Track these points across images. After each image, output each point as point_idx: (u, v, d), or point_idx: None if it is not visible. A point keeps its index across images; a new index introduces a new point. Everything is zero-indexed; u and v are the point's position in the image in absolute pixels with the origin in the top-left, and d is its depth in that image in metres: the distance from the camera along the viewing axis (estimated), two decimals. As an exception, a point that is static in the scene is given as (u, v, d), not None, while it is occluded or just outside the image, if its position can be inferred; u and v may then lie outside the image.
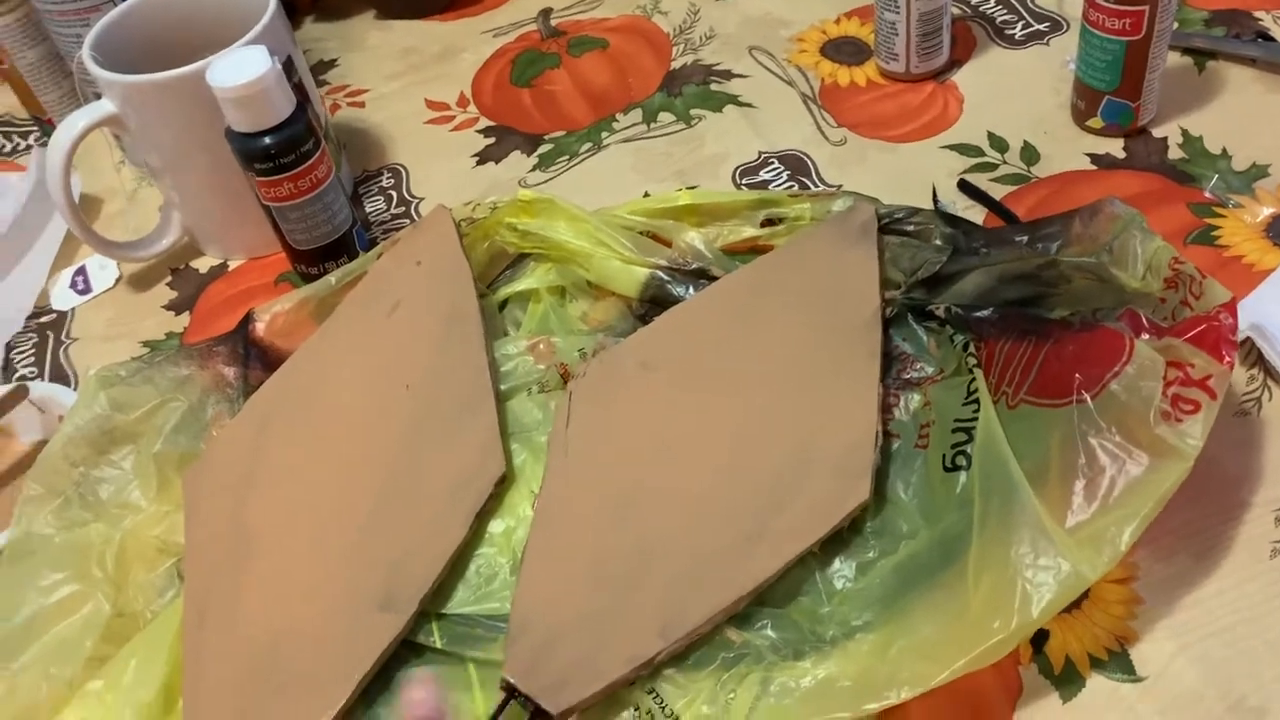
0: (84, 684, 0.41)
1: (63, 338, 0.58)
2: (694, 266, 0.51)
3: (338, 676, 0.39)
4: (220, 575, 0.43)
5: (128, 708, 0.39)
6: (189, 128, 0.54)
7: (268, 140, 0.51)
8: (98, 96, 0.55)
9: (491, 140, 0.65)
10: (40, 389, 0.52)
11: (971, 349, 0.44)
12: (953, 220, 0.50)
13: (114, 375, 0.48)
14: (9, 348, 0.58)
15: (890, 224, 0.51)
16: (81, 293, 0.60)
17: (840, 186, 0.57)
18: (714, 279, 0.51)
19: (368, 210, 0.62)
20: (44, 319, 0.59)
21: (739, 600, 0.40)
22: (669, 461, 0.43)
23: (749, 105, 0.63)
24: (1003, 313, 0.45)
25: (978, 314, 0.45)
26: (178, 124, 0.54)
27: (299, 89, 0.56)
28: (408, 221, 0.60)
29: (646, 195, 0.58)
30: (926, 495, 0.42)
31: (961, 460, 0.41)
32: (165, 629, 0.42)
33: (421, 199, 0.62)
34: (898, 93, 0.62)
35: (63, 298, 0.60)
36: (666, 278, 0.51)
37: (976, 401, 0.42)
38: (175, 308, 0.59)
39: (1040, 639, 0.39)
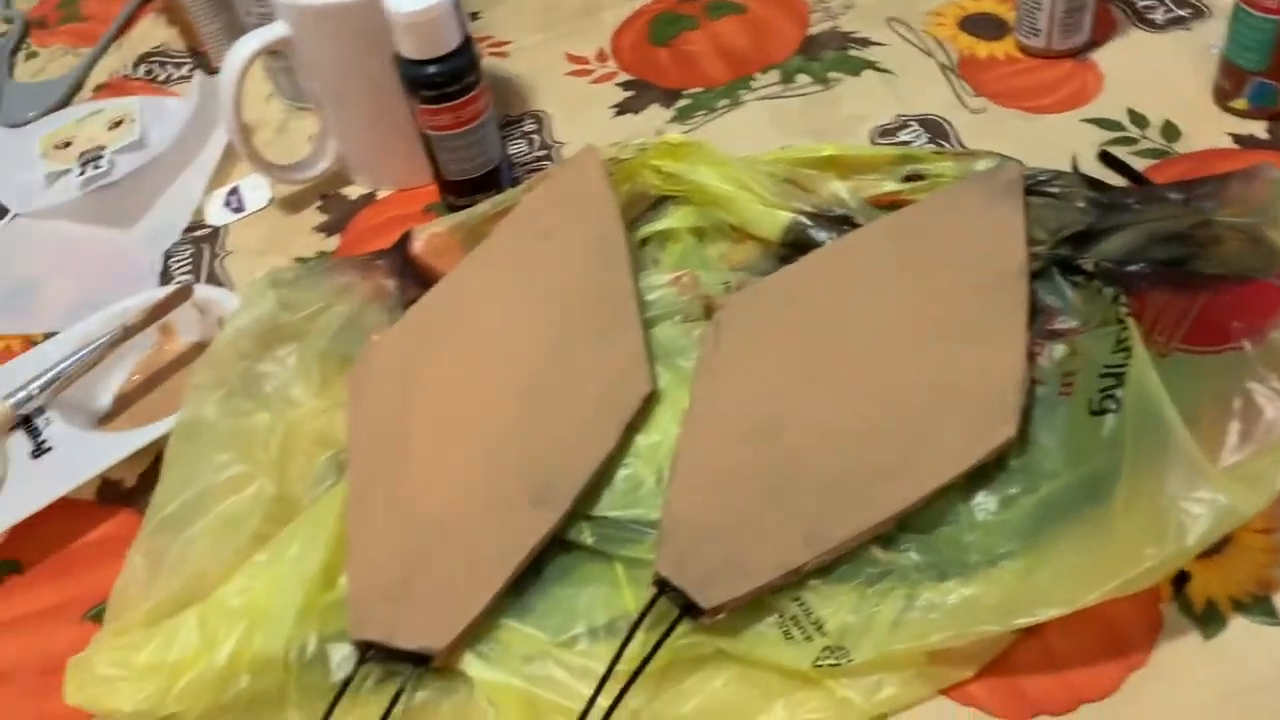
0: (249, 556, 0.43)
1: (217, 250, 0.61)
2: (837, 213, 0.52)
3: (494, 563, 0.41)
4: (381, 465, 0.45)
5: (293, 578, 0.42)
6: (357, 54, 0.56)
7: (435, 69, 0.54)
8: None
9: (630, 93, 0.66)
10: (203, 291, 0.55)
11: (1123, 300, 0.45)
12: (1097, 184, 0.51)
13: (283, 277, 0.51)
14: (167, 256, 0.61)
15: (1034, 185, 0.51)
16: (235, 211, 0.63)
17: (980, 151, 0.58)
18: (856, 227, 0.52)
19: (510, 152, 0.64)
20: (199, 233, 0.62)
21: (884, 522, 0.41)
22: (816, 389, 0.45)
23: (887, 71, 0.64)
24: (1154, 267, 0.45)
25: (1128, 268, 0.46)
26: (347, 50, 0.57)
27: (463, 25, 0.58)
28: (549, 163, 0.62)
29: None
30: (1070, 439, 0.43)
31: (1110, 404, 0.42)
32: (327, 513, 0.44)
33: (563, 144, 0.64)
34: (1036, 68, 0.63)
35: (218, 214, 0.63)
36: (809, 223, 0.52)
37: (1127, 349, 0.43)
38: (326, 230, 0.61)
39: (1180, 582, 0.40)
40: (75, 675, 0.40)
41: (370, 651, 0.39)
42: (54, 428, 0.50)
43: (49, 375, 0.51)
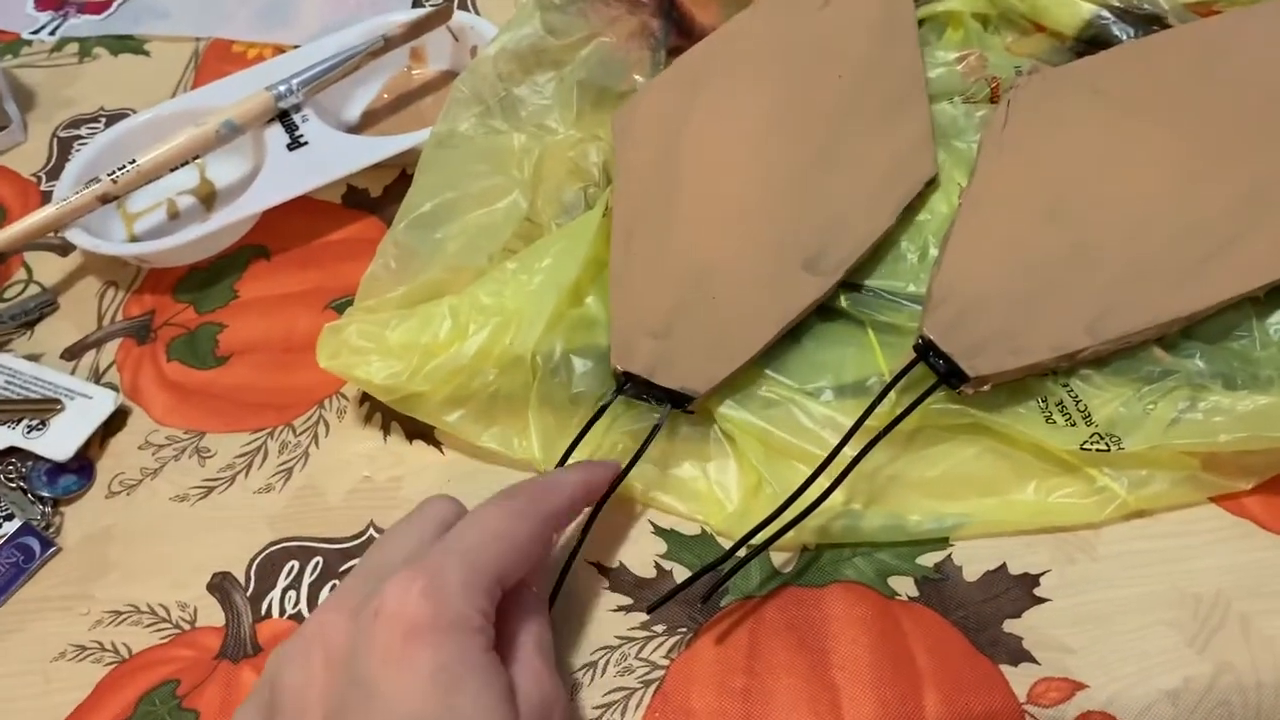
0: (500, 263, 0.43)
1: (472, -15, 0.60)
2: (1146, 10, 0.48)
3: (762, 319, 0.40)
4: (650, 208, 0.44)
5: (545, 287, 0.41)
6: None
7: None
8: None
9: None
10: (461, 17, 0.54)
11: None
12: None
13: (551, 1, 0.49)
14: (420, -13, 0.60)
15: (1376, 7, 0.46)
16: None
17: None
18: (1166, 28, 0.47)
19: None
20: (454, -33, 0.61)
21: (1174, 321, 0.38)
22: (1115, 179, 0.41)
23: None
24: None
25: None
26: None
27: None
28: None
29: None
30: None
31: None
32: (580, 233, 0.43)
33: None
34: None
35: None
36: (1112, 18, 0.48)
37: None
38: (580, -23, 0.59)
39: None
40: (328, 342, 0.41)
41: (628, 384, 0.39)
42: (310, 124, 0.50)
43: (311, 73, 0.51)
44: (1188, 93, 0.44)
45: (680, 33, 0.51)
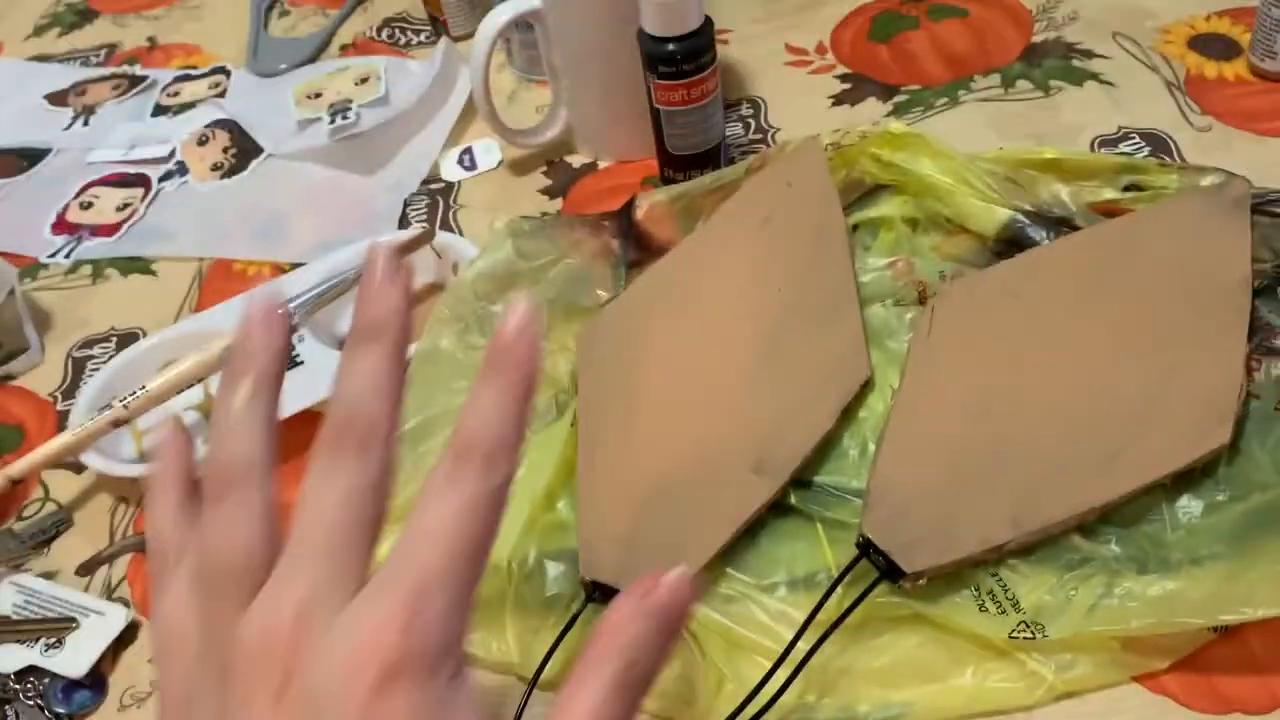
0: (479, 475, 0.47)
1: (451, 203, 0.66)
2: (1056, 214, 0.53)
3: (717, 522, 0.44)
4: (611, 419, 0.48)
5: (520, 495, 0.45)
6: (602, 28, 0.60)
7: (675, 46, 0.57)
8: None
9: (848, 85, 0.68)
10: (443, 237, 0.60)
11: (1354, 321, 0.45)
12: (1331, 209, 0.50)
13: (520, 227, 0.55)
14: (405, 205, 0.66)
15: (1261, 204, 0.51)
16: (468, 169, 0.68)
17: (1203, 168, 0.58)
18: (1074, 229, 0.53)
19: (727, 134, 0.66)
20: (435, 186, 0.67)
21: (1089, 511, 0.42)
22: (1030, 378, 0.46)
23: (1110, 84, 0.65)
24: (1391, 293, 0.45)
25: (1361, 291, 0.46)
26: (594, 24, 0.60)
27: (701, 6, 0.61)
28: (764, 147, 0.65)
29: (1003, 151, 0.60)
30: (1285, 455, 0.43)
31: (1332, 423, 0.42)
32: (552, 442, 0.47)
33: (778, 129, 0.66)
34: (1270, 90, 0.62)
35: (452, 171, 0.68)
36: (1027, 221, 0.53)
37: (1355, 370, 0.43)
38: (549, 193, 0.65)
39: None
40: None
41: (597, 591, 0.42)
42: (306, 344, 0.55)
43: (306, 296, 0.56)
44: (1095, 292, 0.49)
45: (641, 248, 0.56)
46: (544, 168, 0.67)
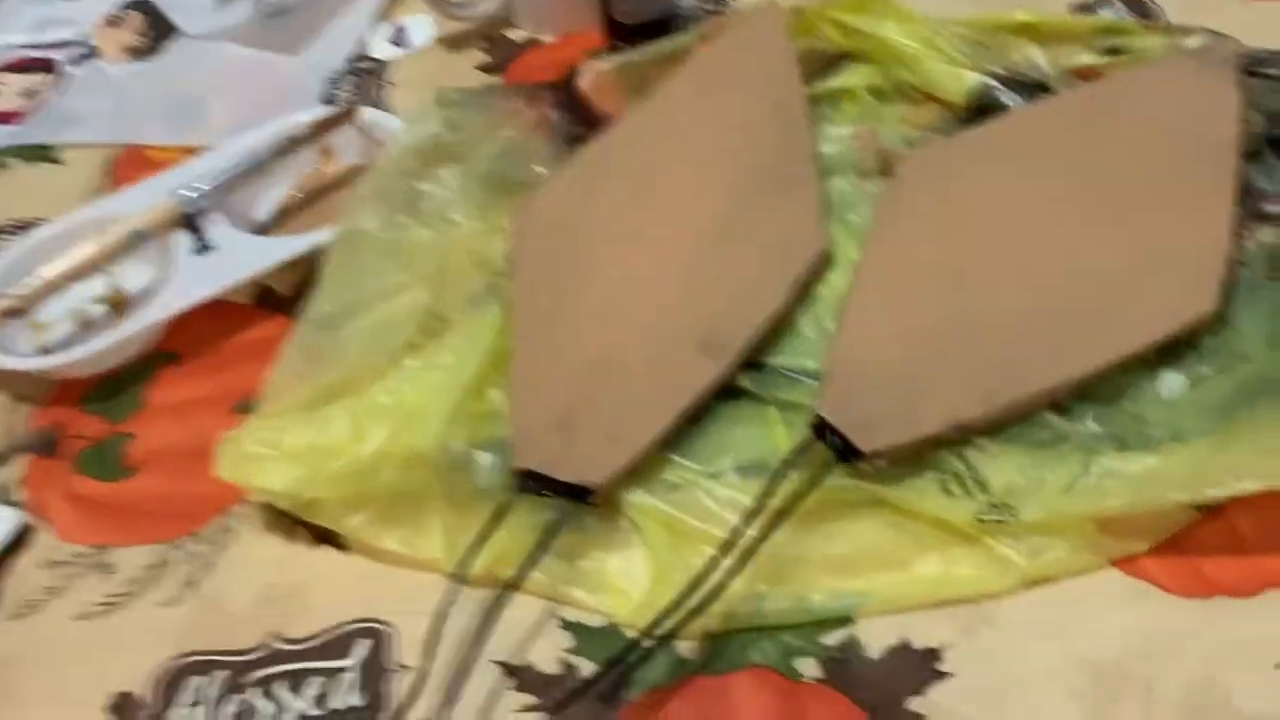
0: (402, 361, 0.43)
1: (381, 81, 0.61)
2: (1031, 79, 0.49)
3: (659, 406, 0.40)
4: (549, 300, 0.44)
5: (446, 383, 0.41)
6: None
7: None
8: None
9: (811, -46, 0.64)
10: (368, 114, 0.55)
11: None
12: (1326, 68, 0.47)
13: (449, 97, 0.50)
14: (331, 84, 0.61)
15: (1251, 65, 0.47)
16: (399, 46, 0.63)
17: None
18: (1050, 94, 0.49)
19: (681, 1, 0.61)
20: (364, 65, 0.62)
21: (1063, 385, 0.38)
22: (1003, 246, 0.42)
23: (1090, -53, 0.60)
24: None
25: (1359, 149, 0.42)
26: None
27: None
28: (720, 13, 0.60)
29: (975, 18, 0.56)
30: (1274, 325, 0.40)
31: (1325, 289, 0.39)
32: (482, 329, 0.43)
33: (737, -2, 0.62)
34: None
35: (382, 49, 0.63)
36: (999, 86, 0.49)
37: (1351, 231, 0.39)
38: (488, 69, 0.60)
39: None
40: (226, 452, 0.40)
41: (530, 481, 0.39)
42: (218, 229, 0.50)
43: (215, 178, 0.51)
44: (1073, 157, 0.45)
45: (584, 121, 0.52)
46: (483, 44, 0.62)
